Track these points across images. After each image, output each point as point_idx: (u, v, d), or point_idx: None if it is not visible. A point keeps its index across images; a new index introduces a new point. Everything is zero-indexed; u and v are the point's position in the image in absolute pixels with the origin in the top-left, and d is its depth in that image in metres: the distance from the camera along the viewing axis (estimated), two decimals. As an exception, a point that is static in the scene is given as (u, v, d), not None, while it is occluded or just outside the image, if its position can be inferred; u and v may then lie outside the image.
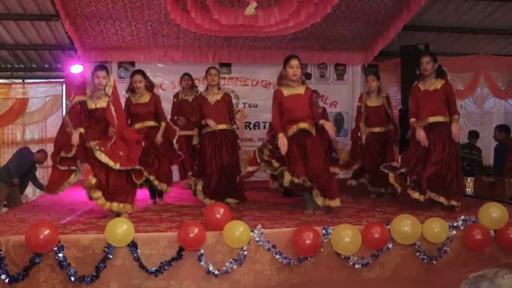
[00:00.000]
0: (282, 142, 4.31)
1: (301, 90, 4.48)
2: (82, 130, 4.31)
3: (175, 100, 6.54)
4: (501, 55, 8.55)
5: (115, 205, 4.21)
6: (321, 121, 4.42)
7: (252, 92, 7.90)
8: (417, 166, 4.63)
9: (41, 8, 6.69)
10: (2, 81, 8.45)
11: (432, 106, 4.59)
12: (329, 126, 4.37)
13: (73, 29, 6.35)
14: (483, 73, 8.36)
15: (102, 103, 4.32)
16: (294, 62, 4.41)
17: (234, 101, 7.64)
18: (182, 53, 7.52)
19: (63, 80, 8.00)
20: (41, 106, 8.17)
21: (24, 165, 6.60)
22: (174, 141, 5.31)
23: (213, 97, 5.16)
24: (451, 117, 4.59)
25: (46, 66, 8.57)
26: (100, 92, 4.33)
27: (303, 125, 4.36)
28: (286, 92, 4.47)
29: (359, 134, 5.66)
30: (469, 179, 5.97)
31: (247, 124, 7.95)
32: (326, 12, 5.69)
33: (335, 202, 4.40)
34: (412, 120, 4.73)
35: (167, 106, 6.60)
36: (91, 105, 4.33)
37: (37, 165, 7.04)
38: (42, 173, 7.92)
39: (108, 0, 5.81)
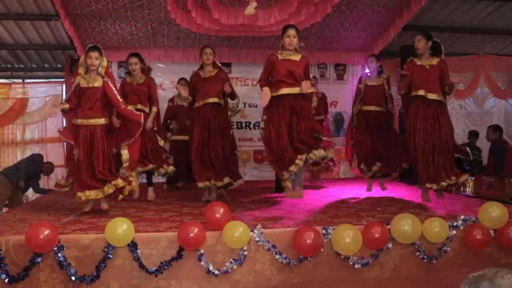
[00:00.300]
0: (266, 94, 4.52)
1: (296, 57, 4.58)
2: (67, 106, 4.35)
3: (169, 104, 6.54)
4: (501, 55, 8.55)
5: (106, 189, 4.26)
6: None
7: (252, 91, 7.91)
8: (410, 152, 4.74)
9: (41, 8, 6.69)
10: (2, 81, 8.46)
11: (428, 83, 4.65)
12: (305, 83, 4.48)
13: (73, 29, 6.36)
14: (483, 73, 8.36)
15: (95, 83, 4.33)
16: (291, 32, 4.54)
17: (234, 100, 7.66)
18: (182, 53, 7.53)
19: (63, 80, 8.00)
20: (41, 106, 8.18)
21: (33, 170, 6.59)
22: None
23: (207, 74, 5.21)
24: (446, 86, 4.69)
25: (46, 66, 8.58)
26: (94, 73, 4.35)
27: (295, 89, 4.49)
28: (280, 56, 4.59)
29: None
30: (469, 179, 5.97)
31: (247, 124, 7.95)
32: (326, 12, 5.69)
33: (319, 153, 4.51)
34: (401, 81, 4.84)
35: (166, 106, 6.63)
36: (83, 83, 4.34)
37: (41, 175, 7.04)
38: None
39: (108, 0, 5.81)
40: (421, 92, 4.64)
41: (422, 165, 4.64)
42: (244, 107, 7.91)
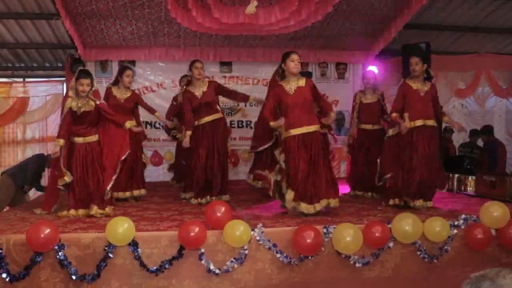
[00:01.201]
0: (279, 123, 4.33)
1: (301, 82, 4.47)
2: (62, 142, 4.36)
3: (174, 103, 6.53)
4: (502, 54, 8.53)
5: (94, 209, 4.26)
6: (324, 120, 4.53)
7: (253, 91, 7.83)
8: (401, 173, 4.71)
9: (41, 7, 6.68)
10: (3, 80, 8.44)
11: (424, 109, 4.68)
12: (329, 118, 4.52)
13: (73, 28, 6.35)
14: (484, 72, 8.33)
15: (86, 107, 4.40)
16: (295, 56, 4.43)
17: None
18: (183, 52, 7.51)
19: (64, 79, 8.00)
20: (42, 105, 8.15)
21: (39, 170, 6.56)
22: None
23: (200, 90, 5.15)
24: (441, 117, 4.84)
25: (47, 65, 8.57)
26: (84, 98, 4.41)
27: (309, 128, 4.35)
28: (287, 86, 4.44)
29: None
30: (470, 178, 5.97)
31: (248, 123, 7.94)
32: (327, 11, 5.68)
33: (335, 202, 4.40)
34: (395, 115, 4.76)
35: (167, 105, 6.61)
36: (74, 107, 4.40)
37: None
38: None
39: (109, -1, 5.81)
40: (420, 123, 4.64)
41: (414, 187, 4.63)
42: (245, 106, 7.88)
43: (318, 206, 4.25)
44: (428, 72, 4.78)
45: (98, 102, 4.45)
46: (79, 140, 4.40)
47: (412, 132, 4.64)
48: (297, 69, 4.43)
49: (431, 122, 4.68)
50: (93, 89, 4.45)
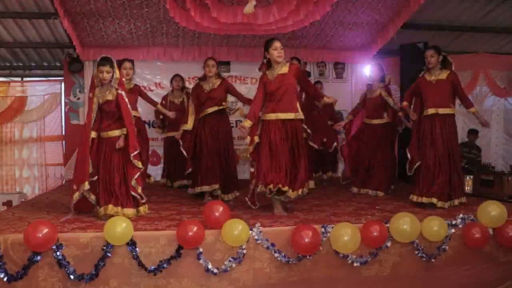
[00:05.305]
0: (244, 125, 4.32)
1: (284, 69, 4.40)
2: (93, 134, 4.19)
3: (163, 101, 6.56)
4: (501, 54, 8.54)
5: (110, 208, 4.05)
6: (323, 100, 4.56)
7: (251, 90, 7.84)
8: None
9: (39, 6, 6.67)
10: (0, 79, 8.43)
11: (436, 97, 4.75)
12: (329, 99, 4.54)
13: (72, 27, 6.34)
14: (483, 71, 8.35)
15: (108, 96, 4.20)
16: (278, 44, 4.37)
17: (232, 99, 7.67)
18: (181, 52, 7.52)
19: (62, 78, 7.99)
20: (40, 104, 8.15)
21: None
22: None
23: (209, 85, 5.23)
24: (468, 109, 4.92)
25: (45, 64, 8.56)
26: (108, 85, 4.22)
27: (288, 115, 4.33)
28: (270, 75, 4.41)
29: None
30: (467, 178, 5.98)
31: (246, 122, 7.94)
32: (325, 10, 5.69)
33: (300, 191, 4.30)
34: (405, 103, 5.06)
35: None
36: (99, 98, 4.22)
37: None
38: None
39: (107, -2, 5.80)
40: (432, 111, 4.76)
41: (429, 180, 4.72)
42: (243, 105, 7.89)
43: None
44: (444, 61, 4.83)
45: (119, 91, 4.17)
46: (103, 134, 4.20)
47: (425, 121, 4.81)
48: (281, 57, 4.38)
49: (445, 110, 4.75)
50: (116, 76, 4.16)
